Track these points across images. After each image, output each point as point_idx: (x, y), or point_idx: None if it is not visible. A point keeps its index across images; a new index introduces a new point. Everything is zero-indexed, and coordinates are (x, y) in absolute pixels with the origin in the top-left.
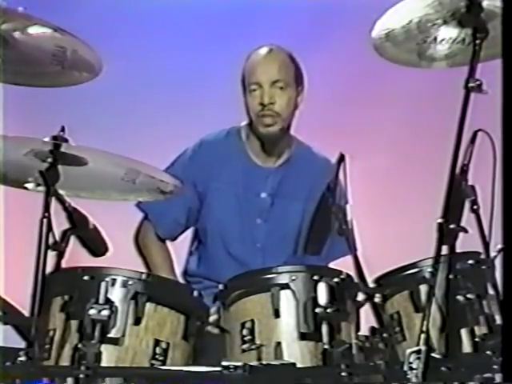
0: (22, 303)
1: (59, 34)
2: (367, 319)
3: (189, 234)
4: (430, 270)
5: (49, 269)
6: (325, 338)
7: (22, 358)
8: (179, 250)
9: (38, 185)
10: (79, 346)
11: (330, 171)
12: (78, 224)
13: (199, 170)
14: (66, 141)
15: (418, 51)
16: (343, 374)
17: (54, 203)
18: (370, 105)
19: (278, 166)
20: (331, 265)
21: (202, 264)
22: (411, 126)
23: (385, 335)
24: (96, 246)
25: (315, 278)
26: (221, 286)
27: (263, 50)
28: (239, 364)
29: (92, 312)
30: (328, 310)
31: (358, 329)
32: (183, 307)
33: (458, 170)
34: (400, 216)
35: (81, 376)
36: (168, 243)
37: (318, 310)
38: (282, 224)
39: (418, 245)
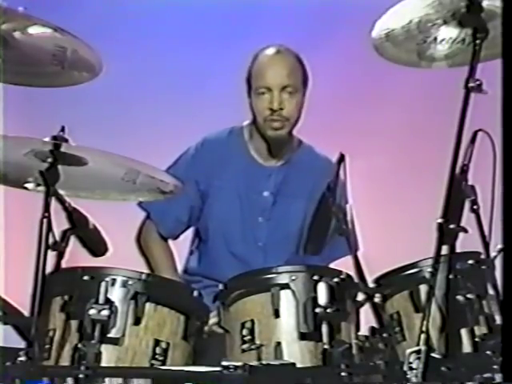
0: (22, 303)
1: (59, 34)
2: (367, 319)
3: (190, 233)
4: (429, 270)
5: (49, 269)
6: (325, 338)
7: (22, 358)
8: (180, 249)
9: (38, 185)
10: (79, 345)
11: (331, 171)
12: (78, 224)
13: (202, 168)
14: (66, 141)
15: (418, 51)
16: (343, 373)
17: (53, 203)
18: (370, 105)
19: (281, 164)
20: (331, 265)
21: (203, 262)
22: (411, 125)
23: (385, 335)
24: (96, 246)
25: (315, 277)
26: (221, 286)
27: (270, 51)
28: (239, 364)
29: (92, 312)
30: (328, 310)
31: (357, 329)
32: (183, 307)
33: (458, 170)
34: (400, 216)
35: (81, 376)
36: (169, 243)
37: (317, 309)
38: (284, 223)
39: (418, 245)
